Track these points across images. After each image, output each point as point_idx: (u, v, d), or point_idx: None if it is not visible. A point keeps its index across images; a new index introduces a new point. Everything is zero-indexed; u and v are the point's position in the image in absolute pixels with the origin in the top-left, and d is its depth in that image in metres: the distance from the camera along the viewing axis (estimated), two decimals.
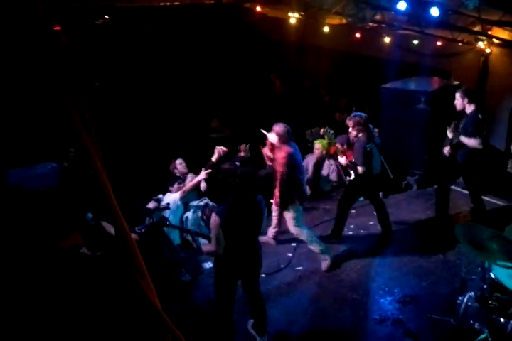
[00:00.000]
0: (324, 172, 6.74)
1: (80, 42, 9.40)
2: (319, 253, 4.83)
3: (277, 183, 4.70)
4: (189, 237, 5.08)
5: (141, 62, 10.11)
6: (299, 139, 7.29)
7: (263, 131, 4.81)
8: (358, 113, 5.05)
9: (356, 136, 4.96)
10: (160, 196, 5.54)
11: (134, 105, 8.86)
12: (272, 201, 4.89)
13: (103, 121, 7.89)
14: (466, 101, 5.16)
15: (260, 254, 3.66)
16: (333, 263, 4.84)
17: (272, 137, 4.69)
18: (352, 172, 5.23)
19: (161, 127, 8.30)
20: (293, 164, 4.64)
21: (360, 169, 4.95)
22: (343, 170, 6.61)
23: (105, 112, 8.24)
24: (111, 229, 5.12)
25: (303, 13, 10.35)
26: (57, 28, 9.35)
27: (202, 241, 5.18)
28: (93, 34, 9.90)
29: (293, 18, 10.40)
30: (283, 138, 4.64)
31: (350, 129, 4.99)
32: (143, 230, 5.12)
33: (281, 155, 4.64)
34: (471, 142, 5.11)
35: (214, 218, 3.34)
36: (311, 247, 4.83)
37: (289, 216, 4.78)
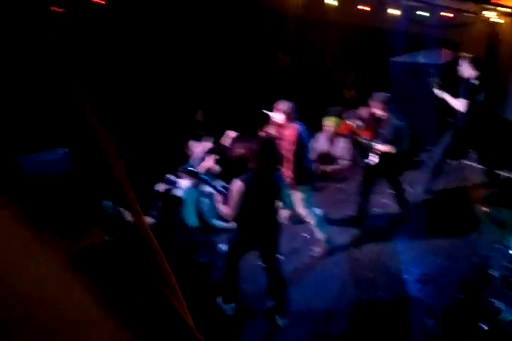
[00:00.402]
0: (336, 151, 6.53)
1: (78, 21, 9.10)
2: (321, 239, 4.74)
3: (287, 163, 4.49)
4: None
5: (141, 38, 9.79)
6: (309, 117, 7.11)
7: (266, 112, 4.59)
8: (381, 93, 4.86)
9: (380, 115, 4.80)
10: (170, 177, 5.38)
11: (137, 86, 8.63)
12: None
13: (109, 103, 7.71)
14: (472, 68, 5.13)
15: (275, 228, 3.70)
16: (327, 253, 4.71)
17: (278, 116, 4.49)
18: (373, 154, 5.01)
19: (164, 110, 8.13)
20: (302, 142, 4.49)
21: (390, 148, 4.77)
22: (361, 151, 6.37)
23: (110, 94, 8.05)
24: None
25: None
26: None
27: (218, 223, 5.13)
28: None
29: None
30: (291, 116, 4.45)
31: (373, 109, 4.82)
32: (155, 213, 5.07)
33: (290, 132, 4.44)
34: (455, 103, 5.14)
35: (237, 184, 3.48)
36: (315, 232, 4.75)
37: (297, 197, 4.61)
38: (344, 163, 6.48)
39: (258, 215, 3.61)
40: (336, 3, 9.32)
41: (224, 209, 3.70)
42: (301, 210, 4.70)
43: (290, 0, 10.29)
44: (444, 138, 5.49)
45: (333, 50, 11.10)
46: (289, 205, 3.84)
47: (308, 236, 5.01)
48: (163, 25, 10.06)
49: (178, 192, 5.17)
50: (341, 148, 6.47)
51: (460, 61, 5.25)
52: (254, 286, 4.13)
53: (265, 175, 3.52)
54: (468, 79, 5.14)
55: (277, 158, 3.64)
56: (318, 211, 5.34)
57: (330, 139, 6.48)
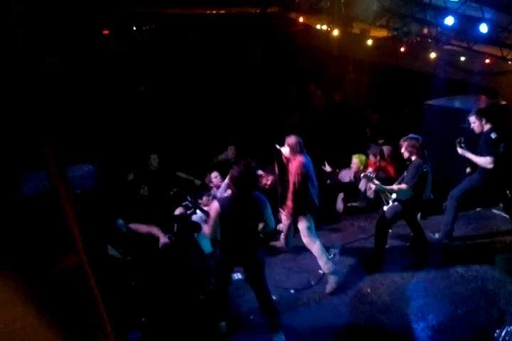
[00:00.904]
0: (361, 188, 6.65)
1: (128, 47, 9.78)
2: (327, 272, 4.80)
3: (289, 194, 4.77)
4: None
5: (184, 68, 10.34)
6: (333, 152, 7.26)
7: (277, 146, 4.90)
8: (414, 135, 5.01)
9: (408, 158, 4.94)
10: (188, 203, 5.61)
11: (176, 110, 9.07)
12: (281, 210, 4.97)
13: (146, 123, 8.15)
14: (483, 122, 5.33)
15: (256, 248, 3.91)
16: (339, 286, 4.75)
17: (285, 149, 4.81)
18: (387, 198, 5.11)
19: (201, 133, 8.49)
20: (305, 174, 4.73)
21: (404, 186, 4.84)
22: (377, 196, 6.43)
23: (148, 115, 8.51)
24: (142, 228, 5.30)
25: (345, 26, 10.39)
26: (106, 31, 9.76)
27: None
28: (140, 39, 10.24)
29: (336, 29, 10.43)
30: (295, 149, 4.75)
31: (402, 150, 4.97)
32: (172, 237, 5.26)
33: (293, 165, 4.75)
34: (479, 161, 5.25)
35: (215, 205, 3.76)
36: (320, 263, 4.82)
37: (302, 226, 4.85)
38: (370, 199, 6.58)
39: (238, 235, 3.85)
40: (374, 44, 9.68)
41: (204, 229, 4.05)
42: (305, 239, 4.86)
43: (329, 38, 10.71)
44: (470, 184, 5.52)
45: (368, 88, 11.39)
46: (271, 225, 4.00)
47: (323, 272, 5.06)
48: (208, 59, 10.69)
49: (195, 218, 5.39)
50: (365, 185, 6.60)
51: (470, 118, 5.44)
52: (248, 303, 4.43)
53: (243, 195, 3.76)
54: (485, 133, 5.29)
55: (254, 181, 3.90)
56: (335, 249, 5.45)
57: (356, 175, 6.61)
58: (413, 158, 4.93)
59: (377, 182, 4.91)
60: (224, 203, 3.77)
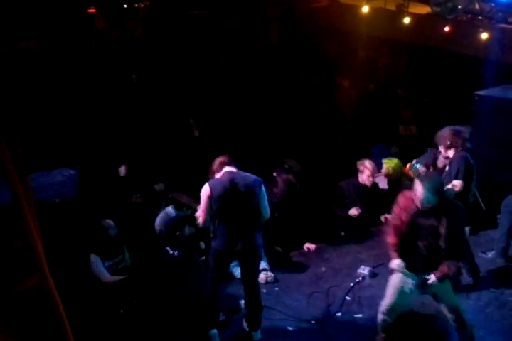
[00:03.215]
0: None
1: (118, 28, 9.85)
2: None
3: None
4: None
5: (184, 54, 10.39)
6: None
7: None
8: (455, 127, 4.96)
9: (447, 157, 4.89)
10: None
11: (174, 103, 9.12)
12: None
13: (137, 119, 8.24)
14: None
15: (256, 239, 4.15)
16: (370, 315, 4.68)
17: None
18: None
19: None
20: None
21: (458, 183, 4.82)
22: None
23: (140, 110, 8.58)
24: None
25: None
26: (92, 10, 9.84)
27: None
28: (132, 19, 10.29)
29: (366, 5, 10.35)
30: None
31: (440, 147, 4.93)
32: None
33: None
34: None
35: (205, 187, 3.98)
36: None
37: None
38: None
39: (233, 221, 4.04)
40: (412, 22, 9.58)
41: (196, 214, 4.20)
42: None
43: (358, 15, 10.65)
44: None
45: (406, 74, 11.31)
46: (265, 216, 4.21)
47: (349, 299, 5.04)
48: (212, 41, 10.74)
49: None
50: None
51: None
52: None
53: (235, 174, 4.03)
54: None
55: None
56: (365, 271, 5.39)
57: (389, 180, 6.55)
58: (451, 151, 4.88)
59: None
60: (215, 185, 3.96)
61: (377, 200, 6.36)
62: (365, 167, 6.11)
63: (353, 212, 6.09)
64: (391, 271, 4.09)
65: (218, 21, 11.36)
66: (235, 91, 10.14)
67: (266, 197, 4.19)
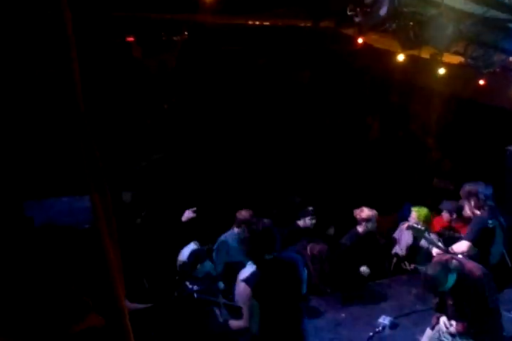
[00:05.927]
0: (424, 245, 6.59)
1: (154, 58, 10.16)
2: None
3: None
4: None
5: (218, 88, 10.67)
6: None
7: None
8: (477, 184, 5.06)
9: (471, 212, 4.97)
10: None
11: (206, 135, 9.33)
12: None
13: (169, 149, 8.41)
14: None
15: (303, 325, 3.84)
16: None
17: None
18: None
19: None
20: None
21: (463, 244, 4.86)
22: None
23: (172, 139, 8.78)
24: None
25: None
26: (131, 38, 10.21)
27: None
28: (169, 50, 10.63)
29: (401, 54, 10.62)
30: None
31: (462, 202, 5.02)
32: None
33: None
34: None
35: (242, 287, 3.53)
36: None
37: None
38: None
39: (280, 317, 3.63)
40: (447, 73, 9.79)
41: (234, 325, 3.85)
42: None
43: (393, 61, 10.91)
44: None
45: (438, 124, 11.43)
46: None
47: None
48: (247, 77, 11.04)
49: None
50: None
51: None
52: None
53: (270, 262, 3.62)
54: None
55: (272, 245, 3.73)
56: (385, 321, 5.44)
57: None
58: (477, 211, 4.94)
59: (431, 236, 4.91)
60: (253, 279, 3.57)
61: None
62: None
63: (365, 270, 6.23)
64: None
65: (252, 58, 11.69)
66: (262, 125, 10.36)
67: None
